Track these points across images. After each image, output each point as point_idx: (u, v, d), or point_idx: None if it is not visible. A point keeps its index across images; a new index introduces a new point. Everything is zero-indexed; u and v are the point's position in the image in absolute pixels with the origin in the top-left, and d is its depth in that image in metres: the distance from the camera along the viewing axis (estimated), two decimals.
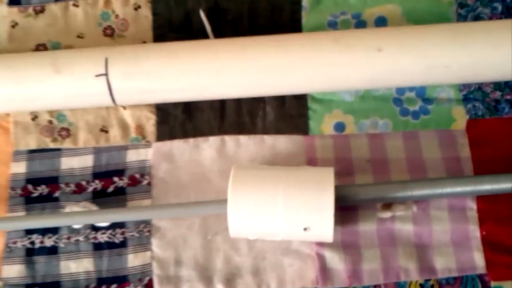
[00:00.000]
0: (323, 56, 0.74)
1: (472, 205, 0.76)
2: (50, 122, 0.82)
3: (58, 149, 0.81)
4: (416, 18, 0.82)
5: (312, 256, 0.75)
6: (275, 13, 0.84)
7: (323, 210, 0.68)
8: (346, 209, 0.76)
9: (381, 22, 0.83)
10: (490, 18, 0.82)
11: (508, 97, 0.80)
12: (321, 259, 0.75)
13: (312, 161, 0.79)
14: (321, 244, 0.75)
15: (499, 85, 0.81)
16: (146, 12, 0.84)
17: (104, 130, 0.82)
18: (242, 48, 0.75)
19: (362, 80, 0.75)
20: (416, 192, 0.72)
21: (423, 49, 0.73)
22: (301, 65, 0.74)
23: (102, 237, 0.77)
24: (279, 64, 0.74)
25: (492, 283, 0.74)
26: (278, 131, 0.80)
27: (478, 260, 0.74)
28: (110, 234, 0.77)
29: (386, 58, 0.73)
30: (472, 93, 0.81)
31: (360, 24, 0.83)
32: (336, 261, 0.74)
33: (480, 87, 0.81)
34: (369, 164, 0.78)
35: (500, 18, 0.82)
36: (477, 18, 0.82)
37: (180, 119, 0.81)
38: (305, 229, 0.68)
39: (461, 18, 0.82)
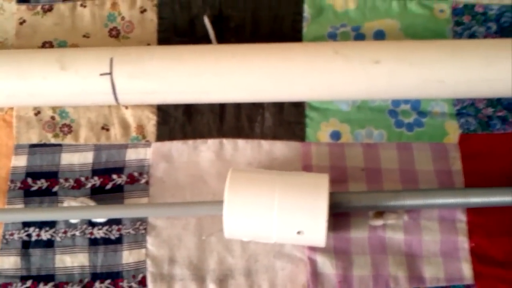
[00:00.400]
0: (322, 66, 0.76)
1: (462, 217, 0.77)
2: (53, 118, 0.84)
3: (59, 145, 0.83)
4: (414, 34, 0.84)
5: (304, 260, 0.76)
6: (277, 23, 0.86)
7: (317, 215, 0.69)
8: (339, 216, 0.77)
9: (379, 35, 0.85)
10: (485, 37, 0.85)
11: (500, 113, 0.82)
12: (313, 264, 0.76)
13: (307, 168, 0.80)
14: (313, 249, 0.76)
15: (491, 102, 0.83)
16: (151, 16, 0.86)
17: (105, 128, 0.83)
18: (244, 54, 0.77)
19: (359, 91, 0.77)
20: (408, 201, 0.74)
21: (419, 63, 0.75)
22: (300, 73, 0.76)
23: (98, 233, 0.78)
24: (279, 72, 0.76)
25: None
26: (275, 136, 0.82)
27: (466, 271, 0.75)
28: (106, 230, 0.78)
29: (383, 71, 0.75)
30: (465, 109, 0.83)
31: (359, 36, 0.85)
32: (327, 266, 0.75)
33: (473, 103, 0.83)
34: (364, 172, 0.80)
35: (494, 37, 0.85)
36: (472, 36, 0.85)
37: (180, 121, 0.83)
38: (298, 232, 0.70)
39: (457, 35, 0.85)
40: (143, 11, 0.87)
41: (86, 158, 0.82)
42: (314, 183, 0.71)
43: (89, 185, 0.81)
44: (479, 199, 0.74)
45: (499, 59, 0.75)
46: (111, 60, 0.76)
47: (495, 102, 0.83)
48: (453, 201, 0.74)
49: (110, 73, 0.76)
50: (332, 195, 0.72)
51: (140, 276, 0.77)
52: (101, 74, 0.76)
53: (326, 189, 0.70)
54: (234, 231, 0.72)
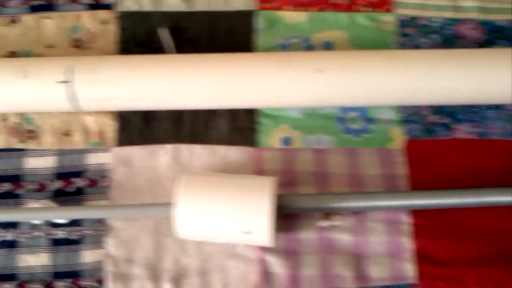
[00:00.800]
0: (271, 75, 0.79)
1: (407, 219, 0.80)
2: (18, 124, 0.87)
3: (24, 150, 0.86)
4: (361, 45, 0.88)
5: (255, 260, 0.79)
6: (232, 34, 0.90)
7: (261, 215, 0.72)
8: (288, 217, 0.81)
9: (328, 46, 0.89)
10: (429, 48, 0.88)
11: (443, 120, 0.86)
12: (263, 264, 0.79)
13: (260, 172, 0.83)
14: (264, 249, 0.79)
15: (435, 109, 0.86)
16: (113, 27, 0.90)
17: (68, 134, 0.86)
18: (199, 63, 0.81)
19: (305, 99, 0.81)
20: (353, 203, 0.77)
21: (361, 72, 0.78)
22: (251, 82, 0.80)
23: (60, 234, 0.82)
24: (232, 80, 0.80)
25: None
26: (229, 142, 0.85)
27: (410, 271, 0.78)
28: (68, 231, 0.82)
29: (327, 79, 0.78)
30: (410, 116, 0.86)
31: (309, 47, 0.89)
32: (277, 266, 0.78)
33: (418, 110, 0.86)
34: (313, 177, 0.83)
35: (438, 48, 0.88)
36: (417, 47, 0.88)
37: (139, 127, 0.86)
38: (246, 232, 0.73)
39: (403, 46, 0.88)
40: (104, 23, 0.90)
41: (49, 162, 0.85)
42: (259, 185, 0.74)
43: (52, 188, 0.84)
44: (421, 201, 0.77)
45: (438, 67, 0.79)
46: (72, 69, 0.80)
47: (438, 110, 0.86)
48: (396, 203, 0.77)
49: (71, 81, 0.79)
50: (280, 197, 0.76)
51: (99, 275, 0.80)
52: (62, 82, 0.79)
53: (270, 190, 0.73)
54: (186, 231, 0.75)
